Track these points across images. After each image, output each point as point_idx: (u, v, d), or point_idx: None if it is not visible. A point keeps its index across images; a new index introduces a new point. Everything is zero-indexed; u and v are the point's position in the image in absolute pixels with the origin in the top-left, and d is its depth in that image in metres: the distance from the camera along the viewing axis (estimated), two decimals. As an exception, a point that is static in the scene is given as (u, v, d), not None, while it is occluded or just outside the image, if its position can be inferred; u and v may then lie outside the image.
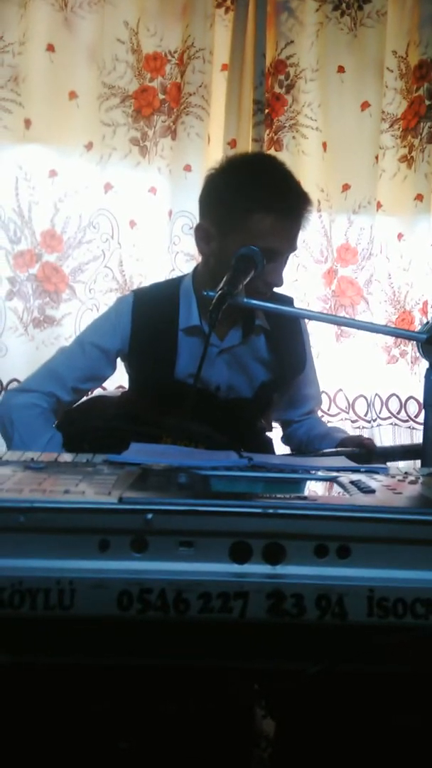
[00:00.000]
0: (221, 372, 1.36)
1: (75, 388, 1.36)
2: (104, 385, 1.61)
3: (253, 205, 1.24)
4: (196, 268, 1.42)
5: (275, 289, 1.44)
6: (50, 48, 1.94)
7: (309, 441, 1.47)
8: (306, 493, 0.75)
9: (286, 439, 1.56)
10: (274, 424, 1.58)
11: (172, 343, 1.33)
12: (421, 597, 0.61)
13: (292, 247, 1.29)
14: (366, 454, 1.25)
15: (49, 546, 0.61)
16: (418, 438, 1.88)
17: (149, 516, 0.61)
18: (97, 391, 1.65)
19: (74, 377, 1.35)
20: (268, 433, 1.55)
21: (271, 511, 0.62)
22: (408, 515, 0.63)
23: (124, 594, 0.60)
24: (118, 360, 1.42)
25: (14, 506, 0.61)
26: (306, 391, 1.50)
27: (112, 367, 1.40)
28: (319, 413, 1.63)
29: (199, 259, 1.45)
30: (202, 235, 1.32)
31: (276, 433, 1.59)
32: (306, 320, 1.54)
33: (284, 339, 1.40)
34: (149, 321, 1.35)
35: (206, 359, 1.28)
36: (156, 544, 0.61)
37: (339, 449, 1.30)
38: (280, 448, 1.62)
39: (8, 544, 0.61)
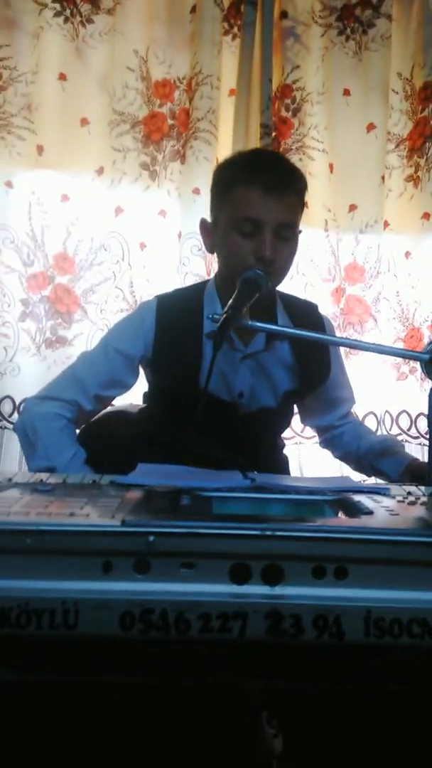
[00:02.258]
0: (245, 378, 1.35)
1: (97, 395, 1.33)
2: (115, 403, 1.63)
3: (235, 178, 1.26)
4: (217, 274, 1.41)
5: (297, 294, 1.45)
6: (62, 77, 2.00)
7: (360, 451, 1.44)
8: (306, 514, 0.76)
9: (326, 444, 1.53)
10: (291, 435, 1.57)
11: (197, 348, 1.30)
12: (416, 617, 0.62)
13: (274, 218, 1.23)
14: None
15: (55, 567, 0.63)
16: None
17: (151, 538, 0.63)
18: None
19: (96, 383, 1.32)
20: (285, 451, 1.55)
21: (269, 533, 0.64)
22: (403, 537, 0.64)
23: (126, 614, 0.61)
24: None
25: (21, 529, 0.63)
26: (339, 393, 1.48)
27: (135, 375, 1.38)
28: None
29: (207, 276, 1.47)
30: (203, 230, 1.36)
31: (290, 451, 1.59)
32: (333, 324, 1.53)
33: (309, 345, 1.36)
34: (173, 326, 1.33)
35: (230, 364, 1.31)
36: (158, 566, 0.63)
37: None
38: (296, 467, 1.62)
39: (15, 565, 0.63)
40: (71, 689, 0.66)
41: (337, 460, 1.60)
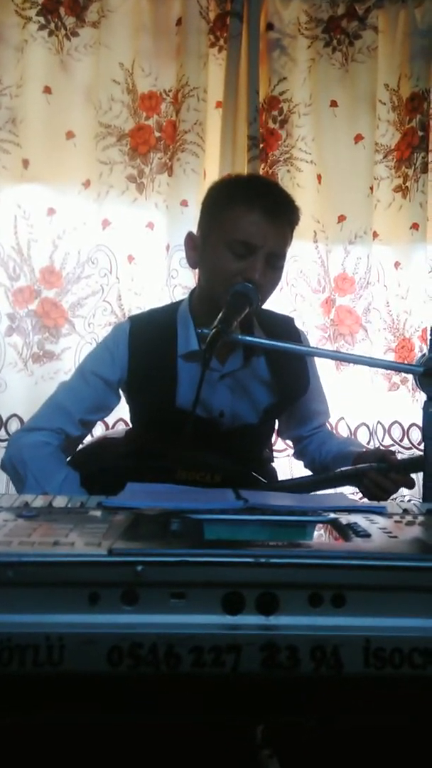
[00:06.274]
0: (224, 397, 1.34)
1: (82, 420, 1.33)
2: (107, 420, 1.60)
3: (233, 198, 1.25)
4: (192, 293, 1.41)
5: (287, 305, 1.41)
6: (47, 90, 1.98)
7: (322, 458, 1.45)
8: (301, 538, 0.74)
9: (298, 455, 1.55)
10: (283, 447, 1.56)
11: (172, 369, 1.30)
12: (418, 646, 0.60)
13: (269, 245, 1.23)
14: (387, 467, 1.21)
15: (39, 600, 0.60)
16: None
17: (139, 568, 0.60)
18: (100, 430, 1.63)
19: (80, 409, 1.32)
20: (273, 464, 1.53)
21: (263, 560, 0.61)
22: (403, 562, 0.62)
23: (114, 649, 0.58)
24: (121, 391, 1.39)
25: (3, 560, 0.60)
26: (313, 407, 1.48)
27: (117, 397, 1.37)
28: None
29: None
30: (190, 243, 1.34)
31: (283, 463, 1.58)
32: (308, 336, 1.53)
33: (285, 358, 1.36)
34: (147, 348, 1.33)
35: (208, 384, 1.28)
36: (147, 597, 0.60)
37: (358, 467, 1.25)
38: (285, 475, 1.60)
39: (-3, 598, 0.60)
40: (56, 729, 0.63)
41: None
